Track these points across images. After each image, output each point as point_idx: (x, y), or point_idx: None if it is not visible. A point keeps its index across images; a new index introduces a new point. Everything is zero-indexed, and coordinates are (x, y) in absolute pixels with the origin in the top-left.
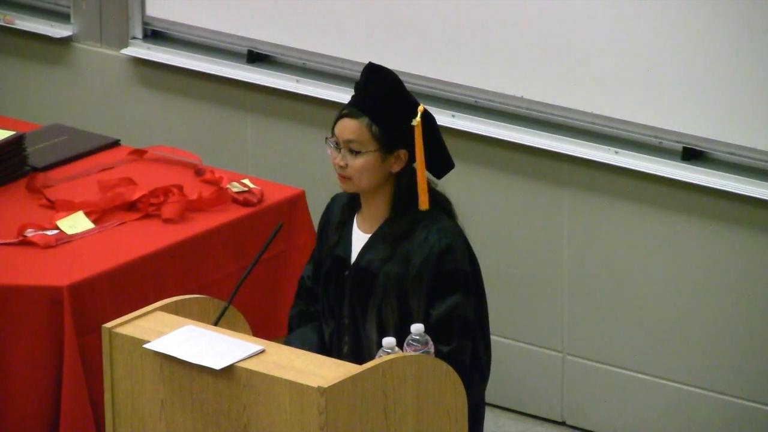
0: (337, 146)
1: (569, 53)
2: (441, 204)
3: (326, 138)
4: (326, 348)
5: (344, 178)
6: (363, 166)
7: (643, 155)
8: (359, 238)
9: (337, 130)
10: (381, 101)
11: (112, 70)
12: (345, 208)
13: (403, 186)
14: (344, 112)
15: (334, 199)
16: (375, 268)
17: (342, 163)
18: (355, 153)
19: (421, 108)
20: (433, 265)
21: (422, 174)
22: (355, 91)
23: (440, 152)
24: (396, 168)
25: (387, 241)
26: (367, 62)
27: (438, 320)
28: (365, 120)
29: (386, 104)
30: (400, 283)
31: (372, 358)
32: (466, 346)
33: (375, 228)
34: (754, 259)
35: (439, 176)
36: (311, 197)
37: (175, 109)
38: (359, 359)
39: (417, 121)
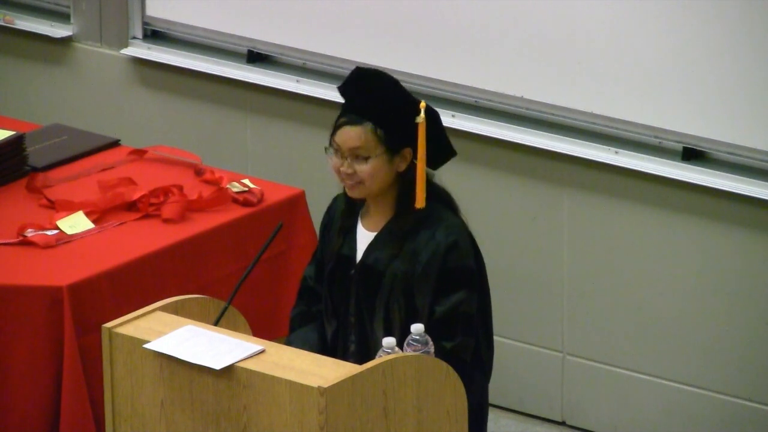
0: (340, 154)
1: (569, 53)
2: (443, 199)
3: (325, 148)
4: (327, 348)
5: (353, 185)
6: (373, 170)
7: (643, 155)
8: (364, 237)
9: (338, 138)
10: (382, 104)
11: (112, 70)
12: (349, 207)
13: (407, 183)
14: (343, 120)
15: (337, 199)
16: (382, 266)
17: (349, 171)
18: (363, 159)
19: (423, 105)
20: (439, 262)
21: (422, 172)
22: (348, 97)
23: (443, 143)
24: (402, 167)
25: (393, 238)
26: (354, 67)
27: (442, 316)
28: (369, 125)
29: (388, 106)
30: (406, 280)
31: None
32: (468, 343)
33: (381, 226)
34: (754, 259)
35: (435, 167)
36: (311, 197)
37: (175, 109)
38: (366, 358)
39: (421, 118)
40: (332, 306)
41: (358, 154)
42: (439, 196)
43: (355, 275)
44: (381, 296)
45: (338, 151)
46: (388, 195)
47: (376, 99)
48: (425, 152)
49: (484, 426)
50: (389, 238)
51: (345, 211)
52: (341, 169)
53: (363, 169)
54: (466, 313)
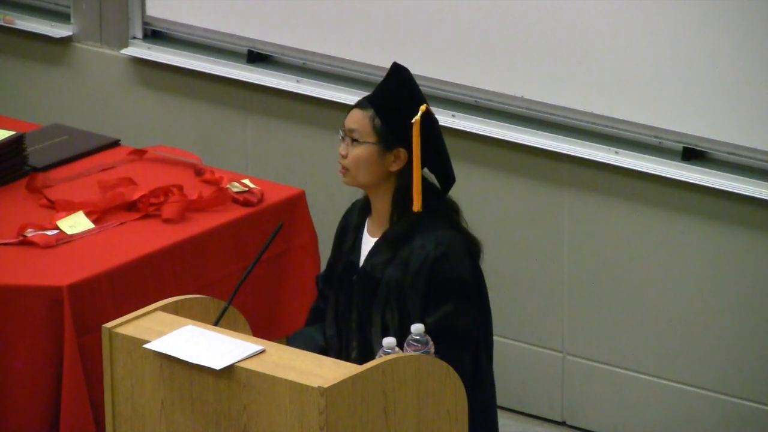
0: (344, 135)
1: (569, 53)
2: (446, 210)
3: (339, 129)
4: (325, 350)
5: (343, 169)
6: (359, 156)
7: (643, 155)
8: (368, 243)
9: (346, 119)
10: (388, 97)
11: (112, 70)
12: (360, 212)
13: (403, 188)
14: (356, 103)
15: (354, 204)
16: (378, 273)
17: (344, 153)
18: (357, 143)
19: (423, 107)
20: (427, 273)
21: (418, 174)
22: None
23: (441, 159)
24: (395, 167)
25: (388, 243)
26: (391, 64)
27: (430, 328)
28: (370, 112)
29: (392, 100)
30: (399, 288)
31: None
32: (459, 356)
33: (381, 232)
34: (754, 259)
35: (444, 190)
36: (311, 197)
37: (175, 109)
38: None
39: (416, 119)
40: (335, 311)
41: (353, 137)
42: (442, 206)
43: (356, 281)
44: (378, 303)
45: (344, 131)
46: (387, 199)
47: (385, 91)
48: (420, 153)
49: None
50: (385, 244)
51: (361, 209)
52: (339, 150)
53: (352, 153)
54: (455, 326)
